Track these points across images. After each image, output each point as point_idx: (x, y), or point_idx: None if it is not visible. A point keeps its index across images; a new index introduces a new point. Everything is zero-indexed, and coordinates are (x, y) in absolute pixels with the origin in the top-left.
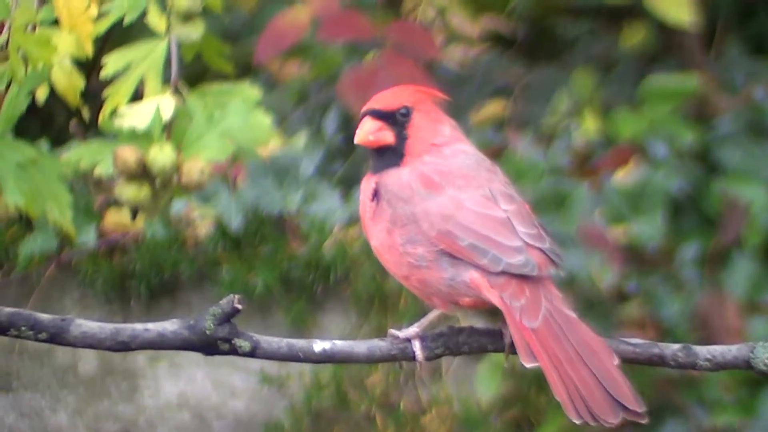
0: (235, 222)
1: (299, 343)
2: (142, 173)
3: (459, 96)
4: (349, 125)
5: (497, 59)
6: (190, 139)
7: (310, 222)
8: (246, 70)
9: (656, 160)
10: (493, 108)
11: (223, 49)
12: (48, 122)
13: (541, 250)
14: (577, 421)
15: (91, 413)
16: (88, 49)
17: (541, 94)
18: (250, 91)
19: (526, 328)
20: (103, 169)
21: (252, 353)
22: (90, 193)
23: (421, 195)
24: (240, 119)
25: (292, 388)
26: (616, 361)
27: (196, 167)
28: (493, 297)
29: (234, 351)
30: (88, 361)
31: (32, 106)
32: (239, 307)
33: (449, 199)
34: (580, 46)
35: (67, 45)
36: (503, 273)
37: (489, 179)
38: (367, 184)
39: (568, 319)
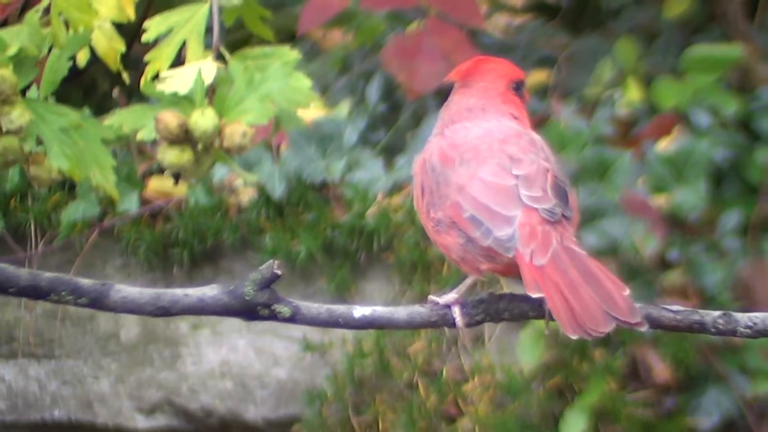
0: (278, 190)
1: (339, 309)
2: (184, 137)
3: None
4: (392, 94)
5: (541, 28)
6: (231, 103)
7: (354, 190)
8: (290, 38)
9: (699, 129)
10: (536, 77)
11: (264, 14)
12: (91, 91)
13: (537, 210)
14: (572, 336)
15: (133, 380)
16: (130, 13)
17: (585, 63)
18: (289, 54)
19: (534, 266)
20: (146, 134)
21: (292, 319)
22: (133, 161)
23: (440, 167)
24: (280, 82)
25: (334, 356)
26: (626, 291)
27: (237, 131)
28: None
29: (274, 316)
30: (131, 328)
31: (75, 74)
32: (279, 272)
33: (465, 170)
34: (624, 15)
35: (109, 9)
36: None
37: (507, 147)
38: (419, 156)
39: (574, 254)
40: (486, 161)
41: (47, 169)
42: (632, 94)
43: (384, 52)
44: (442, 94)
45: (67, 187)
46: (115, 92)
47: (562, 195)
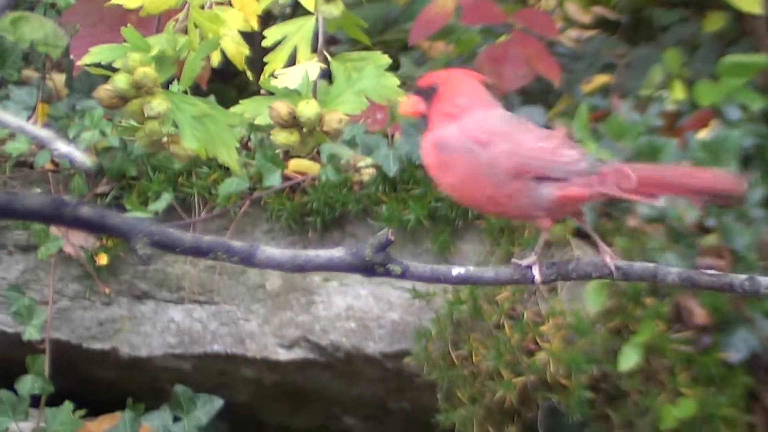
0: (392, 169)
1: (441, 268)
2: (293, 123)
3: (574, 70)
4: None
5: (604, 41)
6: (331, 96)
7: None
8: (403, 48)
9: (731, 122)
10: (600, 80)
11: (360, 23)
12: (243, 89)
13: (589, 161)
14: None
15: (276, 322)
16: (254, 24)
17: (639, 69)
18: (381, 58)
19: (626, 190)
20: (262, 119)
21: (402, 275)
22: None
23: (477, 148)
24: (373, 80)
25: (437, 302)
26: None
27: (335, 118)
28: (582, 190)
29: (388, 273)
30: (274, 280)
31: (232, 76)
32: (392, 238)
33: (507, 143)
34: (671, 30)
35: (237, 21)
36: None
37: (526, 126)
38: (426, 141)
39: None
40: (524, 133)
41: (183, 148)
42: (677, 93)
43: (478, 59)
44: (525, 93)
45: (224, 166)
46: (263, 91)
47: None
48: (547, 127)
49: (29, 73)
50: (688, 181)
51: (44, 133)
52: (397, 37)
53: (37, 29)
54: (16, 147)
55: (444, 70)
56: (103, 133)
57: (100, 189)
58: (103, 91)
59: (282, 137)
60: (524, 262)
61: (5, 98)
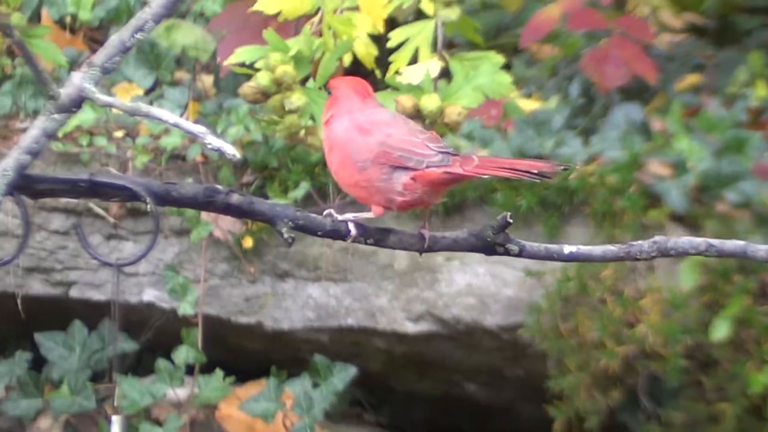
0: None
1: (553, 247)
2: (416, 115)
3: (667, 70)
4: (588, 91)
5: (694, 44)
6: (450, 91)
7: (560, 161)
8: (514, 51)
9: None
10: (691, 79)
11: (475, 26)
12: (376, 87)
13: (447, 152)
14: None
15: (403, 297)
16: (380, 27)
17: (726, 69)
18: (495, 57)
19: (466, 170)
20: None
21: (519, 254)
22: None
23: (358, 134)
24: (488, 77)
25: (547, 280)
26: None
27: (455, 111)
28: (431, 173)
29: (506, 252)
30: (402, 260)
31: (365, 75)
32: (510, 221)
33: (380, 134)
34: (754, 35)
35: (366, 24)
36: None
37: (405, 122)
38: (324, 132)
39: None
40: (398, 127)
41: (319, 138)
42: (761, 91)
43: (582, 60)
44: (624, 91)
45: None
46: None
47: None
48: (645, 122)
49: (181, 74)
50: (514, 164)
51: (198, 129)
52: (508, 41)
53: (187, 35)
54: (170, 141)
55: (340, 77)
56: (247, 129)
57: (245, 179)
58: (248, 87)
59: None
60: (341, 217)
61: (160, 97)
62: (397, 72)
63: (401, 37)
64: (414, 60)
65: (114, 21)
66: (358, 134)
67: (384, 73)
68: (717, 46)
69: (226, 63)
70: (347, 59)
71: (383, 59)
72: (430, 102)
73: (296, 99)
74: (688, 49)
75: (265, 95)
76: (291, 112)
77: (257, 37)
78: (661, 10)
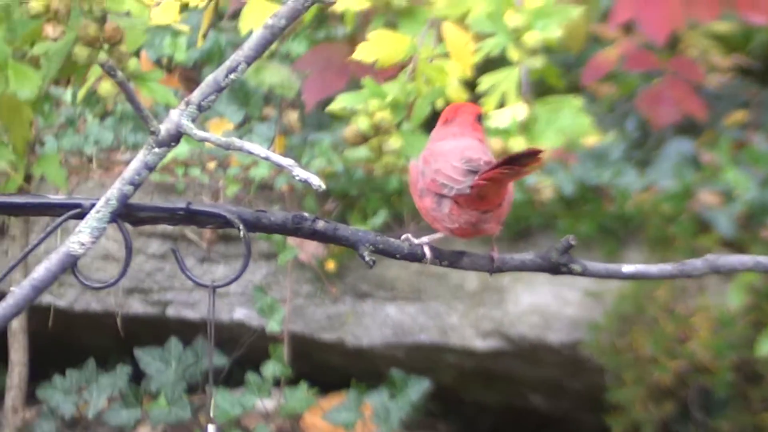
0: (568, 189)
1: (613, 266)
2: (504, 155)
3: (716, 107)
4: (643, 126)
5: (741, 83)
6: (536, 133)
7: (617, 190)
8: (575, 89)
9: None
10: (738, 116)
11: (557, 73)
12: None
13: (476, 171)
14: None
15: (473, 316)
16: (469, 73)
17: None
18: (575, 101)
19: (470, 185)
20: None
21: (582, 273)
22: None
23: (422, 165)
24: (569, 120)
25: (605, 299)
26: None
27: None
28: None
29: (570, 272)
30: (471, 281)
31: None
32: (573, 243)
33: (436, 163)
34: None
35: (457, 71)
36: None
37: (466, 152)
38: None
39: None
40: (451, 158)
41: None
42: None
43: (638, 99)
44: (676, 127)
45: None
46: None
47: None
48: (695, 155)
49: (268, 111)
50: (501, 161)
51: (287, 162)
52: (570, 80)
53: (275, 75)
54: (259, 172)
55: (453, 104)
56: (329, 161)
57: (327, 207)
58: (349, 131)
59: None
60: (417, 240)
61: (249, 132)
62: (486, 116)
63: (489, 82)
64: (501, 104)
65: (206, 62)
66: (423, 164)
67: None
68: (762, 84)
69: (311, 101)
70: (440, 103)
71: (473, 102)
72: (516, 144)
73: (393, 142)
74: (735, 88)
75: (364, 138)
76: (389, 153)
77: (338, 77)
78: (710, 52)
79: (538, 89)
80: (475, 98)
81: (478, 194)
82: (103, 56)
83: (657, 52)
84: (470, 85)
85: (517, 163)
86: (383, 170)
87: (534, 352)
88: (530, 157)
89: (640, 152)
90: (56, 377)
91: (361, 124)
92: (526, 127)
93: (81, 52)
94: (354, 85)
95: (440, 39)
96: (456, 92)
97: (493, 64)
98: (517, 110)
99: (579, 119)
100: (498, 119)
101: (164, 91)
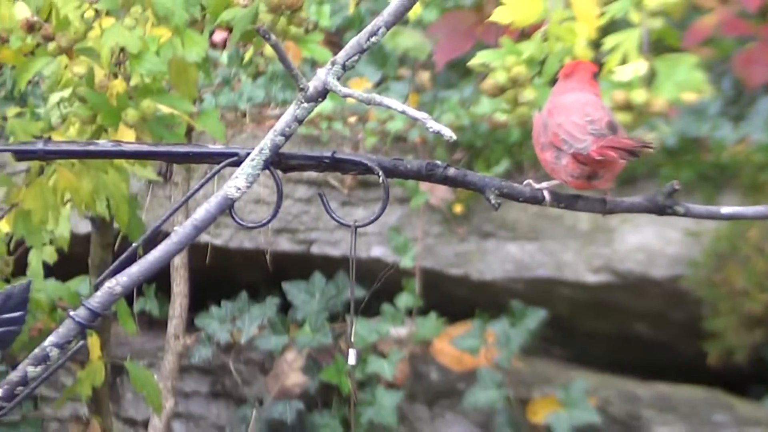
0: (670, 141)
1: (712, 208)
2: (626, 106)
3: None
4: (738, 86)
5: None
6: (655, 86)
7: (714, 142)
8: (675, 51)
9: None
10: None
11: (674, 34)
12: None
13: (596, 134)
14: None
15: (585, 253)
16: (594, 34)
17: None
18: (691, 58)
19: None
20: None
21: (685, 214)
22: None
23: (546, 117)
24: (685, 75)
25: (703, 239)
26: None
27: (659, 103)
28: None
29: (674, 213)
30: (584, 223)
31: None
32: (677, 187)
33: (559, 118)
34: None
35: (583, 32)
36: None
37: (587, 106)
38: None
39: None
40: (573, 113)
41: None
42: None
43: (733, 61)
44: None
45: None
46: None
47: (612, 128)
48: None
49: (403, 71)
50: (622, 143)
51: (422, 115)
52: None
53: (409, 39)
54: (394, 126)
55: (571, 62)
56: (457, 116)
57: (455, 156)
58: (488, 84)
59: (619, 117)
60: (537, 185)
61: (385, 90)
62: (610, 71)
63: (613, 42)
64: (623, 61)
65: (347, 27)
66: (547, 115)
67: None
68: None
69: (441, 62)
70: (567, 60)
71: (597, 60)
72: (638, 96)
73: (528, 94)
74: None
75: (501, 90)
76: (523, 104)
77: (466, 40)
78: None
79: (657, 48)
80: (600, 57)
81: (594, 159)
82: (283, 21)
83: (750, 20)
84: (595, 44)
85: (633, 155)
86: (517, 120)
87: (640, 285)
88: (644, 149)
89: (734, 108)
90: (213, 308)
91: (500, 77)
92: (646, 81)
93: (265, 18)
94: (478, 48)
95: (568, 4)
96: (582, 51)
97: (615, 25)
98: (639, 66)
99: (693, 75)
100: (622, 74)
101: (322, 51)
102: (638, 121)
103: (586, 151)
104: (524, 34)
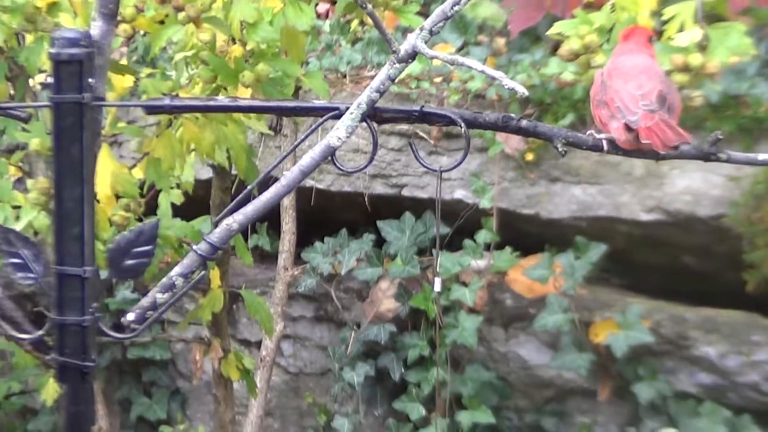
0: (714, 98)
1: (751, 155)
2: (684, 68)
3: None
4: None
5: None
6: (709, 51)
7: (752, 98)
8: (716, 19)
9: None
10: None
11: (726, 5)
12: None
13: (647, 112)
14: (660, 151)
15: (640, 195)
16: (655, 5)
17: None
18: (741, 26)
19: (643, 128)
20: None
21: (727, 160)
22: None
23: (606, 78)
24: (736, 40)
25: (743, 183)
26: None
27: (713, 65)
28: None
29: (718, 159)
30: (638, 169)
31: None
32: (720, 137)
33: (617, 82)
34: None
35: (646, 3)
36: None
37: (643, 74)
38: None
39: (663, 120)
40: (629, 80)
41: None
42: None
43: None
44: None
45: None
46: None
47: (662, 101)
48: None
49: (481, 38)
50: (669, 139)
51: (499, 74)
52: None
53: (487, 9)
54: (474, 85)
55: (630, 26)
56: (529, 76)
57: (527, 112)
58: (564, 50)
59: (678, 78)
60: (598, 135)
61: (466, 54)
62: (669, 38)
63: (671, 12)
64: (681, 29)
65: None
66: (607, 77)
67: (658, 39)
68: None
69: (516, 30)
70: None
71: (657, 29)
72: (695, 59)
73: (599, 59)
74: None
75: (575, 55)
76: (594, 68)
77: (537, 10)
78: None
79: (708, 17)
80: (660, 25)
81: (639, 139)
82: None
83: None
84: (656, 14)
85: (673, 148)
86: (589, 82)
87: (687, 223)
88: (683, 143)
89: None
90: (317, 243)
91: (574, 44)
92: (701, 47)
93: None
94: (548, 18)
95: None
96: (645, 20)
97: None
98: (695, 33)
99: (743, 40)
100: (680, 40)
101: (415, 18)
102: (693, 81)
103: (635, 125)
104: (592, 5)
